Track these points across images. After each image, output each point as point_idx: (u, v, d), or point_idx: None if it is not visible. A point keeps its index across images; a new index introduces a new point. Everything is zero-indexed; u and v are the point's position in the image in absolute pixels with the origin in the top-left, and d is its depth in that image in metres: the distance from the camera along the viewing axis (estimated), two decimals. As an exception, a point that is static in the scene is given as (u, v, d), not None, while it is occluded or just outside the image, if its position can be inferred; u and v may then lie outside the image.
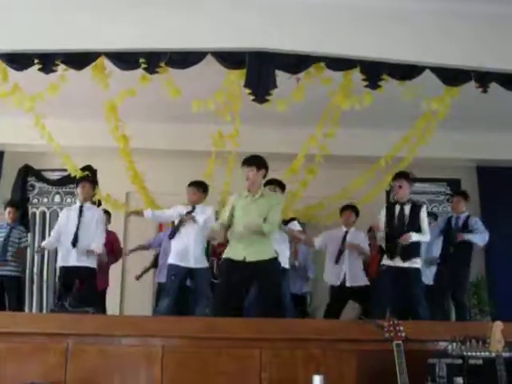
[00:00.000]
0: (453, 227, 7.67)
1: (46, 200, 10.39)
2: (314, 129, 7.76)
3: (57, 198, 10.43)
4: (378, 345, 4.77)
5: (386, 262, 6.59)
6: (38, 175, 10.37)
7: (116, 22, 6.05)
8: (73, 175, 8.61)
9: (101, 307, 7.49)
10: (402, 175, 6.82)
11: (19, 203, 9.41)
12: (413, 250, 6.50)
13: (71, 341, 5.05)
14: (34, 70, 6.00)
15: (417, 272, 6.50)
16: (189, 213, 7.04)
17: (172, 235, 7.05)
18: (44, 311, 9.87)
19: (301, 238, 7.19)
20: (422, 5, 6.09)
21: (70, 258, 7.00)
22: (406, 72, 6.15)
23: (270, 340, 5.11)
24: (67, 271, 7.07)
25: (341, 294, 7.58)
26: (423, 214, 6.60)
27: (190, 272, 6.99)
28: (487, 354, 4.44)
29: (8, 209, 8.44)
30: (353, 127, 8.60)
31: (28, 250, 9.06)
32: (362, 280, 7.55)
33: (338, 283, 7.52)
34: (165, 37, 6.01)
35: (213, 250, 8.06)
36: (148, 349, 5.07)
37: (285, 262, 6.86)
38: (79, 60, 6.07)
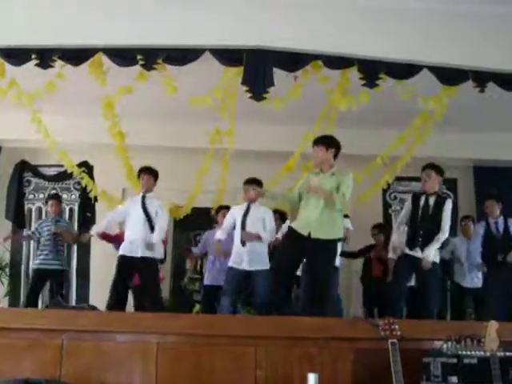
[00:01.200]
0: (494, 233, 7.66)
1: (42, 195, 10.38)
2: (311, 127, 7.76)
3: (53, 194, 10.41)
4: (373, 343, 4.77)
5: (405, 251, 6.59)
6: (35, 171, 10.37)
7: (114, 18, 6.06)
8: (69, 171, 8.62)
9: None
10: (429, 166, 6.75)
11: (16, 199, 9.47)
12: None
13: (66, 337, 5.04)
14: (30, 65, 6.01)
15: (432, 265, 6.45)
16: (245, 214, 7.05)
17: (243, 243, 7.00)
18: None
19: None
20: (419, 4, 6.09)
21: (132, 249, 7.02)
22: (404, 71, 6.17)
23: (265, 338, 5.10)
24: (126, 261, 7.07)
25: None
26: (447, 207, 6.51)
27: (247, 274, 6.98)
28: (482, 353, 4.44)
29: (50, 202, 8.53)
30: (350, 126, 8.58)
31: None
32: None
33: None
34: (162, 33, 6.02)
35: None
36: (143, 345, 5.06)
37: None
38: (77, 56, 6.08)
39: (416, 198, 6.69)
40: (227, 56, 6.09)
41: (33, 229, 8.61)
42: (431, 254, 6.40)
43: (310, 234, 5.87)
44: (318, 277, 5.98)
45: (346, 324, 5.45)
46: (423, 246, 6.42)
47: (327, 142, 6.08)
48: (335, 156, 6.10)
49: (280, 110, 6.47)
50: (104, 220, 7.46)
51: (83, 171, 8.79)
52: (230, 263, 7.05)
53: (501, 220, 7.67)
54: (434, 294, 6.45)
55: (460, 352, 4.47)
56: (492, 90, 6.19)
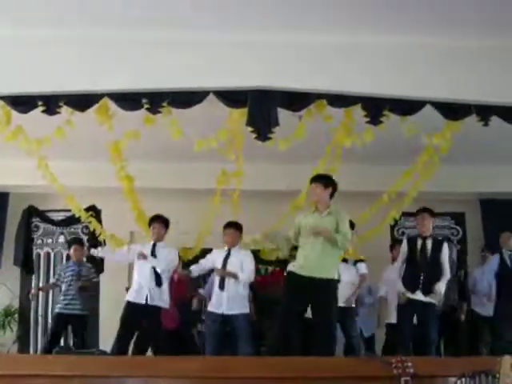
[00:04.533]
0: (509, 265, 7.91)
1: (50, 241, 10.38)
2: (316, 164, 7.79)
3: (61, 239, 10.42)
4: (386, 382, 4.72)
5: (407, 294, 6.76)
6: (43, 216, 10.38)
7: (117, 63, 6.10)
8: (77, 216, 8.63)
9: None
10: (424, 210, 7.04)
11: (24, 244, 9.49)
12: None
13: (77, 382, 5.01)
14: (36, 111, 6.07)
15: (433, 307, 6.69)
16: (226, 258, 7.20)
17: (221, 286, 7.14)
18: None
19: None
20: (420, 40, 6.13)
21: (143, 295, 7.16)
22: (407, 107, 6.18)
23: (281, 379, 5.05)
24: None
25: None
26: (445, 251, 6.82)
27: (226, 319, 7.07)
28: (497, 389, 4.39)
29: (73, 246, 8.69)
30: (355, 162, 8.61)
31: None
32: None
33: None
34: (165, 77, 6.05)
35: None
36: (154, 389, 5.03)
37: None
38: (82, 102, 6.11)
39: (411, 240, 6.95)
40: (231, 98, 6.13)
41: (56, 276, 8.74)
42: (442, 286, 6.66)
43: (310, 275, 5.90)
44: (322, 318, 5.98)
45: (358, 362, 5.40)
46: (424, 288, 6.58)
47: (325, 180, 6.20)
48: (331, 196, 6.17)
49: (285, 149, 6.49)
50: (110, 254, 7.88)
51: (91, 215, 8.81)
52: (210, 308, 7.15)
53: None
54: (435, 334, 6.70)
55: (474, 388, 4.43)
56: (497, 122, 6.21)
